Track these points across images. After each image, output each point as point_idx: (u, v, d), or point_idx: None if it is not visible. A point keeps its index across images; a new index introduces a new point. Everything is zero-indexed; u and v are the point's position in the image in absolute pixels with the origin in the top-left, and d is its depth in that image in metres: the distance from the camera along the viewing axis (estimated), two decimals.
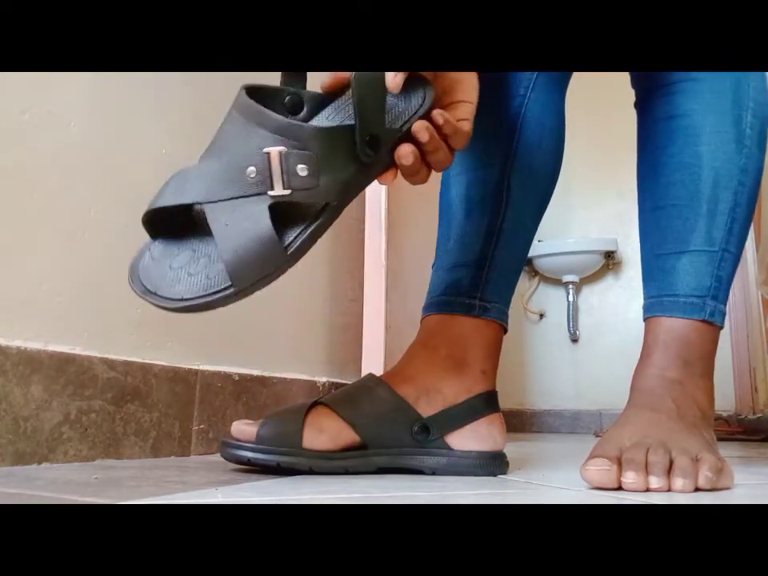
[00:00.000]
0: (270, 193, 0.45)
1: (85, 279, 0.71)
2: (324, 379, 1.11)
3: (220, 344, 0.89)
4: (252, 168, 0.45)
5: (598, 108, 2.27)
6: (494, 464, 0.66)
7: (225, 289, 0.45)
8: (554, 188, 0.77)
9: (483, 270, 0.70)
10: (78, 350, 0.67)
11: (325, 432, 0.61)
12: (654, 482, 0.53)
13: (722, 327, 0.68)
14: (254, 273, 0.45)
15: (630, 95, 0.78)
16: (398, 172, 0.53)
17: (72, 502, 0.42)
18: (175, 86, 0.85)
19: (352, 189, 0.50)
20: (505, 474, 0.67)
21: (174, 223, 0.48)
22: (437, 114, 0.51)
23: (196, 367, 0.83)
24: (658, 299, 0.68)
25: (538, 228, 0.77)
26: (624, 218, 2.30)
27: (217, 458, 0.79)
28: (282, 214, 0.46)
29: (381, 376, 0.66)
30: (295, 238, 0.47)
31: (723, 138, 0.68)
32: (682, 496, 0.52)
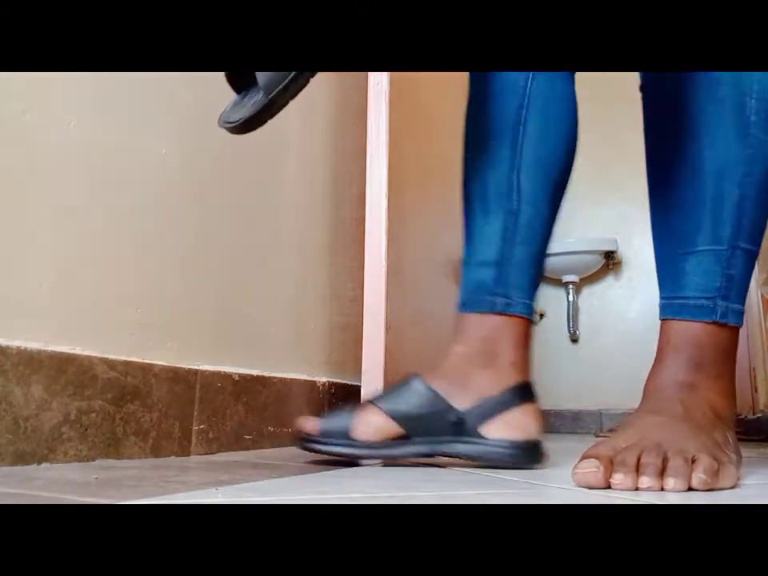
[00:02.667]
0: None
1: (85, 279, 0.71)
2: (324, 379, 1.11)
3: (220, 344, 0.89)
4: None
5: (599, 108, 2.26)
6: (527, 452, 0.70)
7: (261, 101, 0.61)
8: (568, 175, 0.78)
9: (504, 267, 0.74)
10: (78, 350, 0.67)
11: (372, 425, 0.70)
12: (645, 482, 0.52)
13: (740, 325, 0.66)
14: (278, 85, 0.60)
15: (633, 93, 0.78)
16: None
17: (72, 501, 0.42)
18: (175, 86, 0.85)
19: None
20: (540, 463, 0.71)
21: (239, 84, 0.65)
22: None
23: (196, 367, 0.83)
24: (669, 301, 0.68)
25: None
26: (624, 217, 2.30)
27: (217, 457, 0.79)
28: None
29: (420, 374, 0.72)
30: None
31: (724, 128, 0.66)
32: (674, 496, 0.52)
